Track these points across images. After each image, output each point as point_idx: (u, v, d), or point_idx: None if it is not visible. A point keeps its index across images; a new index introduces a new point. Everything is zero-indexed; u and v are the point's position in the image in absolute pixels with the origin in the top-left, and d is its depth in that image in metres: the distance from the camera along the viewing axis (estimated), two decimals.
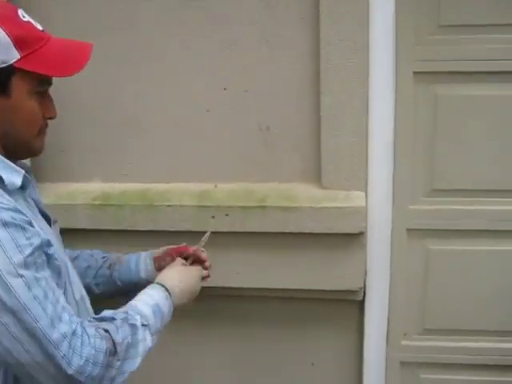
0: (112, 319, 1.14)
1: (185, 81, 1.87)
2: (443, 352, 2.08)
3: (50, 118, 1.21)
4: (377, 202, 1.90)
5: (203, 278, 1.48)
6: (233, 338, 2.08)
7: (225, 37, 1.81)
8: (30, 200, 1.23)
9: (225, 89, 1.85)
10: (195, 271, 1.46)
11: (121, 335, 1.11)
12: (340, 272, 1.87)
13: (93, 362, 1.05)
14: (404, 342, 2.10)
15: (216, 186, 1.93)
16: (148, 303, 1.23)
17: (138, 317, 1.17)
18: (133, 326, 1.15)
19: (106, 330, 1.10)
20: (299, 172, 1.88)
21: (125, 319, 1.15)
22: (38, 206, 1.27)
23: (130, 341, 1.12)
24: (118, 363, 1.10)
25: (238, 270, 1.88)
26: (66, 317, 1.05)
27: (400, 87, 1.83)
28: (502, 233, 1.93)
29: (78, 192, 2.00)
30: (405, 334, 2.09)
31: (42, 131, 1.20)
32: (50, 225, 1.28)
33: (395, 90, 1.83)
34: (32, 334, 1.00)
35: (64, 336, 1.02)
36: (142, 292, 1.28)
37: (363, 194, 1.82)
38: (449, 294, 2.02)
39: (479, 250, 1.96)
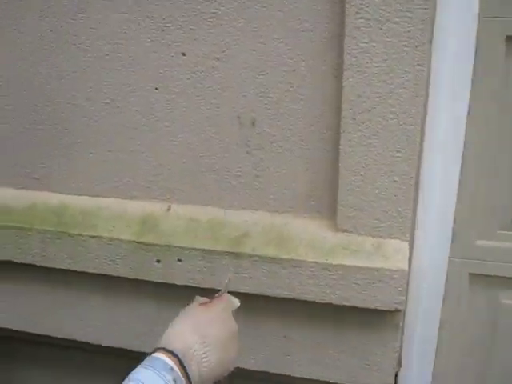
0: None
1: (127, 48, 1.13)
2: None
3: None
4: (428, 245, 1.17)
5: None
6: None
7: None
8: None
9: (183, 54, 1.10)
10: (221, 307, 0.95)
11: None
12: (357, 363, 1.16)
13: None
14: None
15: (169, 209, 1.21)
16: None
17: None
18: None
19: None
20: (301, 199, 1.14)
21: None
22: None
23: None
24: None
25: None
26: None
27: (481, 60, 1.05)
28: None
29: None
30: None
31: None
32: None
33: (473, 67, 1.05)
34: None
35: None
36: (135, 374, 0.80)
37: (406, 245, 1.08)
38: None
39: None
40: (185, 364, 0.83)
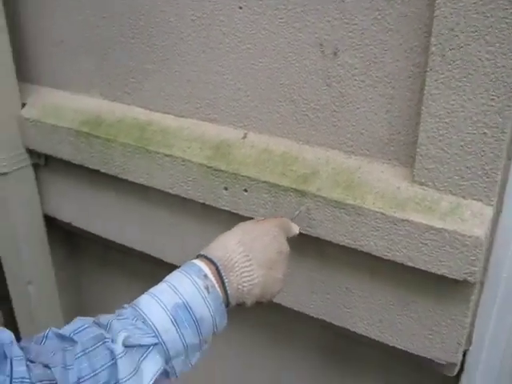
0: (71, 341, 0.66)
1: None
2: None
3: None
4: None
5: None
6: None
7: None
8: None
9: None
10: (274, 224, 0.92)
11: (76, 373, 0.64)
12: (419, 330, 1.05)
13: None
14: None
15: (245, 137, 1.17)
16: (164, 302, 0.73)
17: (122, 335, 0.67)
18: (109, 353, 0.66)
19: (46, 365, 0.63)
20: (379, 143, 1.03)
21: (98, 339, 0.67)
22: None
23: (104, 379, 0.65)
24: None
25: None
26: None
27: None
28: None
29: (69, 108, 1.38)
30: None
31: None
32: None
33: None
34: None
35: None
36: (168, 276, 0.79)
37: (489, 210, 0.93)
38: None
39: None
40: (222, 274, 0.78)
